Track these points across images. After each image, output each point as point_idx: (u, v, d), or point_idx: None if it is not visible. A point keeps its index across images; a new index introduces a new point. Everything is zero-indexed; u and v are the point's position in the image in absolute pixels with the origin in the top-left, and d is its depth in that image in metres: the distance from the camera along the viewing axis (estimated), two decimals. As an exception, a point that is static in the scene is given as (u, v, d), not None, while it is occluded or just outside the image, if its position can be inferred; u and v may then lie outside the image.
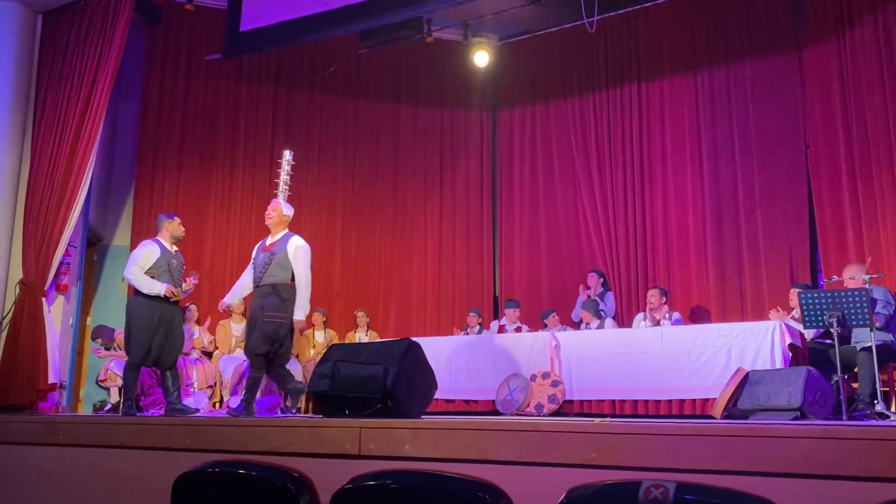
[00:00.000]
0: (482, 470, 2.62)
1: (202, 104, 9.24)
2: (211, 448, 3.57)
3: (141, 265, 5.60)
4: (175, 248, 5.84)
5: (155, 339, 5.56)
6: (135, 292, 5.66)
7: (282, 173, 5.84)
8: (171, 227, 5.81)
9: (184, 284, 5.80)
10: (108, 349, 7.78)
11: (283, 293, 5.26)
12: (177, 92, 9.15)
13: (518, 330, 8.20)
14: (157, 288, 5.55)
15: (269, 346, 5.23)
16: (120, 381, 7.33)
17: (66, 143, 6.82)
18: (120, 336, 7.54)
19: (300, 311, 5.28)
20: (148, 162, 8.95)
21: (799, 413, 4.71)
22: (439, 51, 9.84)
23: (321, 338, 8.48)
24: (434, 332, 9.33)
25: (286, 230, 5.52)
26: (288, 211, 5.58)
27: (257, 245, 5.62)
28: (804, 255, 8.09)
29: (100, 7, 7.10)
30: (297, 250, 5.34)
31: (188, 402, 6.39)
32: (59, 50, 7.19)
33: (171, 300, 5.63)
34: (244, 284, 5.58)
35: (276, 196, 5.72)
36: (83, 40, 7.07)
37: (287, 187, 5.80)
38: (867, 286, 5.37)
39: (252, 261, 5.54)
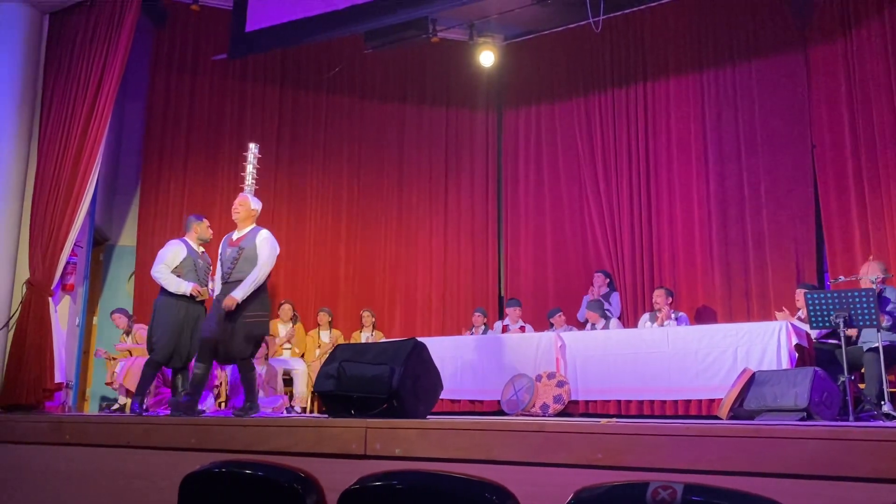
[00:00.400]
0: (487, 470, 2.61)
1: (208, 104, 9.27)
2: (217, 448, 3.58)
3: (168, 264, 5.61)
4: (202, 248, 5.84)
5: (182, 338, 5.55)
6: (161, 291, 5.68)
7: (248, 166, 5.77)
8: (200, 229, 5.82)
9: (210, 283, 5.79)
10: (127, 334, 7.75)
11: (260, 293, 5.16)
12: (182, 92, 9.18)
13: (521, 329, 8.20)
14: (184, 287, 5.56)
15: (255, 348, 5.21)
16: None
17: (73, 144, 6.84)
18: (139, 332, 7.58)
19: (240, 291, 5.06)
20: (154, 162, 8.98)
21: (805, 414, 4.70)
22: (444, 51, 9.84)
23: (326, 337, 8.49)
24: (439, 332, 9.33)
25: (254, 224, 5.39)
26: (256, 205, 5.46)
27: (223, 240, 5.49)
28: (810, 256, 8.06)
29: (106, 8, 7.12)
30: (264, 241, 5.23)
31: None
32: (65, 50, 7.21)
33: (197, 299, 5.62)
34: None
35: (242, 190, 5.64)
36: (90, 41, 7.09)
37: (254, 181, 5.74)
38: (874, 286, 5.35)
39: (219, 257, 5.40)
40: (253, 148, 5.85)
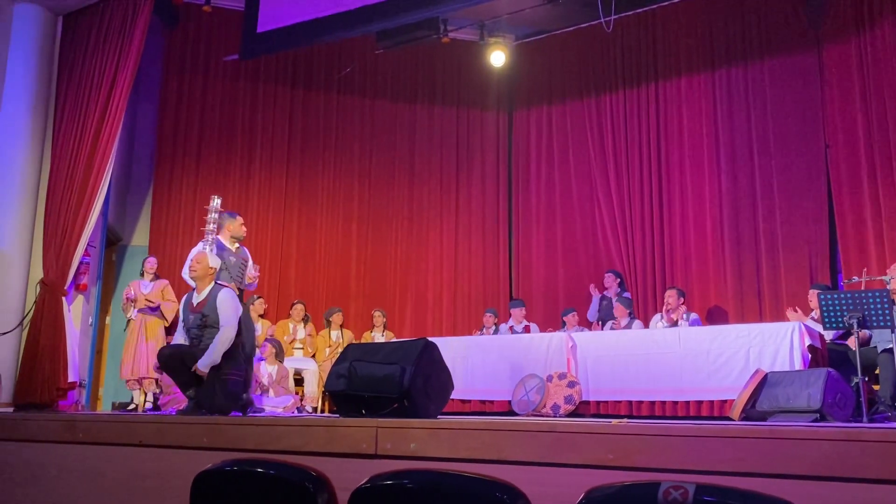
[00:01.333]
0: (498, 470, 2.61)
1: (219, 105, 9.31)
2: (228, 447, 3.59)
3: None
4: (237, 245, 5.76)
5: None
6: None
7: (208, 221, 5.51)
8: (233, 228, 5.73)
9: (245, 278, 5.76)
10: (152, 280, 7.72)
11: (233, 350, 5.03)
12: (194, 93, 9.22)
13: (526, 329, 8.20)
14: None
15: (235, 403, 5.06)
16: (148, 387, 7.43)
17: (86, 144, 6.89)
18: (167, 288, 7.66)
19: (204, 360, 4.86)
20: (166, 163, 9.03)
21: (818, 415, 4.67)
22: (455, 51, 9.85)
23: (337, 338, 8.51)
24: (450, 332, 9.34)
25: (212, 283, 5.15)
26: (214, 262, 5.22)
27: (184, 300, 5.28)
28: (824, 256, 8.01)
29: (119, 9, 7.17)
30: (223, 304, 5.01)
31: None
32: (78, 52, 7.27)
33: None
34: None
35: (203, 242, 5.40)
36: (102, 42, 7.15)
37: (213, 237, 5.50)
38: (888, 286, 5.31)
39: (183, 320, 5.20)
40: (215, 201, 5.68)
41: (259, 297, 8.27)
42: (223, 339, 4.94)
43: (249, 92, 9.45)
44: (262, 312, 8.27)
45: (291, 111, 9.65)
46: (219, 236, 5.77)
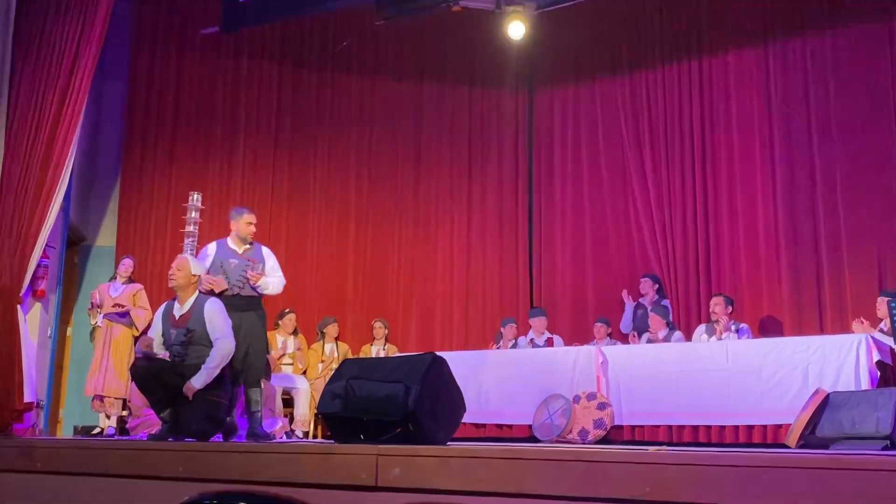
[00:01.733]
0: (518, 505, 2.62)
1: (197, 86, 9.35)
2: (207, 478, 3.61)
3: None
4: (246, 245, 5.77)
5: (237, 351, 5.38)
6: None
7: (188, 220, 5.58)
8: (237, 226, 5.77)
9: (251, 279, 5.69)
10: (125, 283, 7.72)
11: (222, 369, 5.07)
12: (168, 72, 9.26)
13: (549, 342, 8.20)
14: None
15: (216, 428, 5.08)
16: (110, 408, 7.46)
17: (44, 131, 6.92)
18: (140, 293, 7.65)
19: (200, 378, 4.87)
20: (136, 152, 9.07)
21: (889, 442, 4.66)
22: (468, 22, 9.85)
23: (332, 351, 8.52)
24: (461, 346, 9.34)
25: (196, 293, 5.17)
26: (196, 269, 5.25)
27: (161, 310, 5.27)
28: (894, 259, 7.98)
29: (82, -25, 7.20)
30: (214, 316, 5.05)
31: None
32: (36, 25, 7.30)
33: (222, 293, 5.52)
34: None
35: (191, 235, 5.38)
36: (63, 13, 7.17)
37: (194, 239, 5.54)
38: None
39: (159, 332, 5.19)
40: (195, 197, 5.64)
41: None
42: (222, 353, 4.98)
43: (231, 70, 9.49)
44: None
45: (279, 92, 9.69)
46: (228, 237, 5.79)
